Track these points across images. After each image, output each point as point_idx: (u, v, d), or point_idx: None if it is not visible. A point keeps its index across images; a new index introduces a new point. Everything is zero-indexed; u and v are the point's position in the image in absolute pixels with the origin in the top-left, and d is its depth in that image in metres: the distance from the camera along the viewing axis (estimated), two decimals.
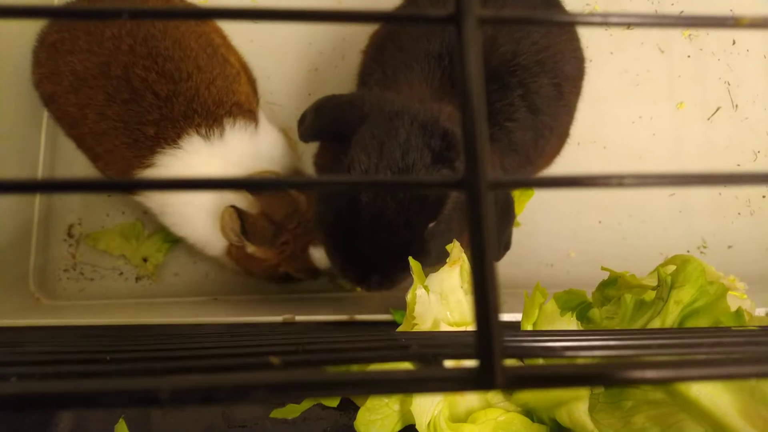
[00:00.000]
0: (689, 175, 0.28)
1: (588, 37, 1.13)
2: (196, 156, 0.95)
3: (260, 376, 0.25)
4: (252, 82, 1.13)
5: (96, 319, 0.94)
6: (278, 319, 0.94)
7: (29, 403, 0.24)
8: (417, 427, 0.61)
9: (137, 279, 1.19)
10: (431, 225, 0.81)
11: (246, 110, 1.00)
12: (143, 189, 0.26)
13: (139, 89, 0.92)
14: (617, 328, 0.67)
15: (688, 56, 1.32)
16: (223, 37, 1.10)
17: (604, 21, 0.27)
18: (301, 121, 0.95)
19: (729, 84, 1.31)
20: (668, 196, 1.25)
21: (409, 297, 0.68)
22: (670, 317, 0.64)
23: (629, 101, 1.30)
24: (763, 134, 1.30)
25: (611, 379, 0.27)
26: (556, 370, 0.26)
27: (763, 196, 1.28)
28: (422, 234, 0.81)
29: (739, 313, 0.64)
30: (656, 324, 0.65)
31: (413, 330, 0.66)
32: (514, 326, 0.69)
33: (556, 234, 1.23)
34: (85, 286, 1.18)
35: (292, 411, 0.69)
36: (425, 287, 0.68)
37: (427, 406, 0.62)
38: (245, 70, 1.11)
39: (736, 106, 1.31)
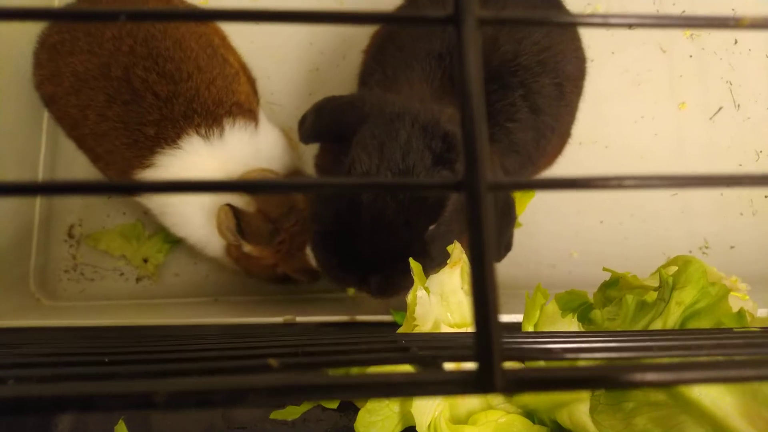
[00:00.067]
0: (690, 176, 0.28)
1: (589, 37, 1.12)
2: (196, 156, 0.95)
3: (258, 379, 0.25)
4: (251, 81, 1.13)
5: (96, 319, 0.94)
6: (279, 319, 0.93)
7: (26, 407, 0.24)
8: (417, 428, 0.61)
9: (138, 280, 1.19)
10: (432, 227, 0.81)
11: (246, 110, 1.00)
12: (144, 191, 0.26)
13: (140, 90, 0.92)
14: (619, 329, 0.67)
15: (690, 56, 1.32)
16: (223, 38, 1.10)
17: (605, 22, 0.27)
18: (302, 123, 0.95)
19: (731, 84, 1.31)
20: (670, 197, 1.25)
21: (409, 298, 0.68)
22: (671, 318, 0.64)
23: (631, 101, 1.29)
24: (765, 134, 1.30)
25: (612, 383, 0.27)
26: (555, 373, 0.26)
27: (766, 196, 1.28)
28: (423, 236, 0.81)
29: (740, 314, 0.64)
30: (658, 325, 0.64)
31: (414, 331, 0.66)
32: (515, 327, 0.69)
33: (558, 234, 1.23)
34: (86, 287, 1.18)
35: (291, 413, 0.69)
36: (426, 288, 0.68)
37: (428, 408, 0.62)
38: (244, 69, 1.11)
39: (738, 105, 1.30)
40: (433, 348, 0.43)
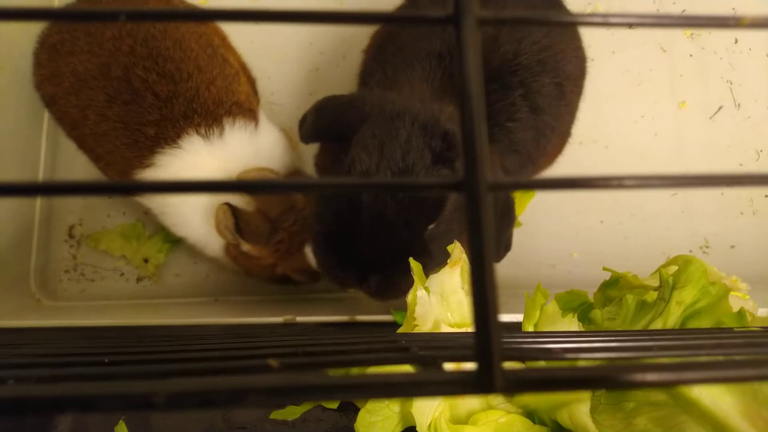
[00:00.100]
0: (690, 176, 0.28)
1: (590, 37, 1.12)
2: (196, 156, 0.95)
3: (258, 380, 0.25)
4: (251, 81, 1.13)
5: (97, 320, 0.94)
6: (279, 319, 0.93)
7: (25, 407, 0.24)
8: (417, 428, 0.61)
9: (138, 280, 1.19)
10: (431, 226, 0.81)
11: (246, 110, 1.00)
12: (143, 191, 0.26)
13: (140, 90, 0.92)
14: (619, 329, 0.67)
15: (690, 55, 1.32)
16: (223, 38, 1.10)
17: (605, 21, 0.27)
18: (302, 123, 0.95)
19: (731, 83, 1.31)
20: (670, 196, 1.25)
21: (409, 298, 0.68)
22: (671, 318, 0.64)
23: (631, 100, 1.29)
24: (765, 133, 1.30)
25: (612, 383, 0.27)
26: (556, 373, 0.26)
27: (766, 196, 1.28)
28: (422, 235, 0.81)
29: (741, 313, 0.64)
30: (658, 325, 0.64)
31: (414, 331, 0.66)
32: (516, 327, 0.69)
33: (558, 234, 1.22)
34: (86, 287, 1.18)
35: (292, 412, 0.69)
36: (426, 288, 0.68)
37: (428, 408, 0.62)
38: (244, 69, 1.11)
39: (739, 105, 1.30)
40: (433, 348, 0.43)
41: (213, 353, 0.44)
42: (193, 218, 0.99)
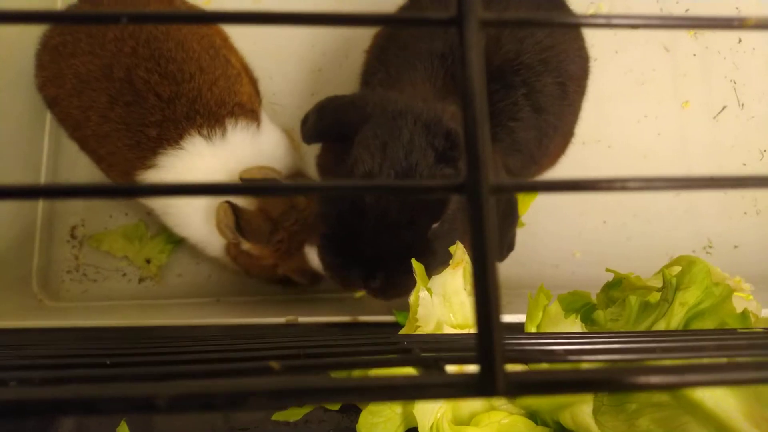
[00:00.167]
0: (695, 178, 0.28)
1: (592, 36, 1.12)
2: (199, 157, 0.95)
3: (260, 382, 0.25)
4: (254, 82, 1.13)
5: (99, 320, 0.94)
6: (281, 320, 0.93)
7: (28, 410, 0.24)
8: (420, 429, 0.61)
9: (140, 280, 1.19)
10: (435, 226, 0.81)
11: (248, 110, 1.00)
12: (146, 195, 0.26)
13: (142, 91, 0.92)
14: (622, 330, 0.67)
15: (694, 55, 1.31)
16: (225, 38, 1.10)
17: (608, 23, 0.27)
18: (304, 123, 0.95)
19: (735, 83, 1.30)
20: (674, 197, 1.25)
21: (411, 299, 0.68)
22: (675, 319, 0.64)
23: (634, 100, 1.29)
24: None
25: (615, 386, 0.27)
26: (558, 376, 0.26)
27: None
28: (426, 234, 0.80)
29: (744, 314, 0.63)
30: (661, 326, 0.64)
31: (416, 332, 0.66)
32: (518, 328, 0.69)
33: (561, 234, 1.22)
34: (88, 288, 1.19)
35: (294, 414, 0.69)
36: (428, 289, 0.68)
37: (430, 409, 0.62)
38: (246, 70, 1.11)
39: (743, 104, 1.30)
40: (436, 350, 0.43)
41: (215, 355, 0.44)
42: (195, 219, 0.99)
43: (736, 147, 1.28)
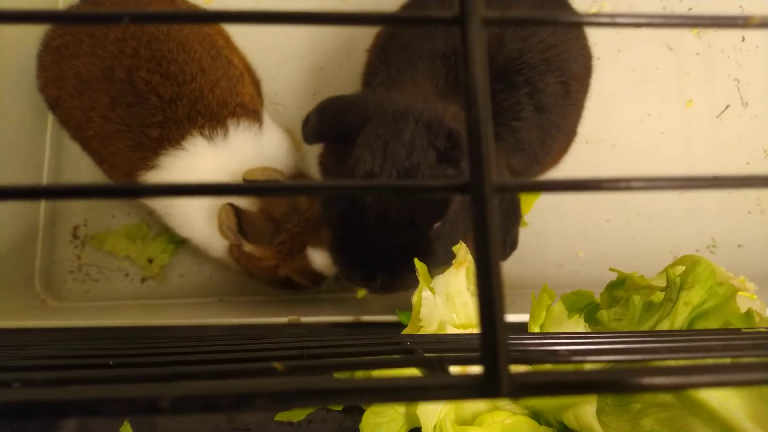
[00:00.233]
0: (699, 177, 0.27)
1: (595, 35, 1.12)
2: (200, 157, 0.95)
3: (263, 384, 0.25)
4: (256, 82, 1.12)
5: (101, 320, 0.94)
6: (283, 320, 0.93)
7: (31, 411, 0.24)
8: (423, 429, 0.61)
9: (143, 280, 1.19)
10: (437, 225, 0.80)
11: (250, 111, 1.00)
12: (148, 195, 0.26)
13: (143, 92, 0.92)
14: (625, 329, 0.67)
15: (697, 53, 1.31)
16: (227, 38, 1.10)
17: (612, 22, 0.27)
18: (306, 123, 0.95)
19: (738, 81, 1.30)
20: (677, 195, 1.24)
21: (414, 299, 0.67)
22: (679, 319, 0.64)
23: (637, 99, 1.29)
24: None
25: (620, 387, 0.26)
26: (563, 377, 0.26)
27: None
28: (428, 234, 0.80)
29: (749, 314, 0.63)
30: (665, 326, 0.64)
31: (419, 332, 0.66)
32: (522, 327, 0.69)
33: (564, 233, 1.22)
34: (91, 288, 1.19)
35: (296, 414, 0.69)
36: (431, 289, 0.67)
37: (433, 409, 0.61)
38: (249, 70, 1.11)
39: (746, 103, 1.29)
40: (439, 350, 0.43)
41: (218, 355, 0.44)
42: (198, 219, 0.99)
43: (740, 146, 1.28)
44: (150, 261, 1.18)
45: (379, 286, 0.84)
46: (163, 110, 0.93)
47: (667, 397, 0.59)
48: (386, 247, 0.80)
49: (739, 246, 1.24)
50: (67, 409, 0.24)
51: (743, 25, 0.28)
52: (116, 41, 0.94)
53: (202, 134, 0.94)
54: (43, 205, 1.19)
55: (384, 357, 0.41)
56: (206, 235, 1.01)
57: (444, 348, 0.48)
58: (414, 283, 0.69)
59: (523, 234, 1.01)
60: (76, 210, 1.21)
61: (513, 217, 0.95)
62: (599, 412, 0.60)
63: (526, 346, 0.46)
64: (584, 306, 0.73)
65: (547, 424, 0.64)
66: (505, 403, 0.63)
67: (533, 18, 0.29)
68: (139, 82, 0.92)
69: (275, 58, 1.26)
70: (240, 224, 0.93)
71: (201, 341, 0.62)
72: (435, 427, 0.61)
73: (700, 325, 0.63)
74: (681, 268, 0.67)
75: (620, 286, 0.75)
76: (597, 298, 0.75)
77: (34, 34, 1.04)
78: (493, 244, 0.24)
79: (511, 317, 0.86)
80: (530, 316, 0.67)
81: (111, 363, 0.40)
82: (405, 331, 0.69)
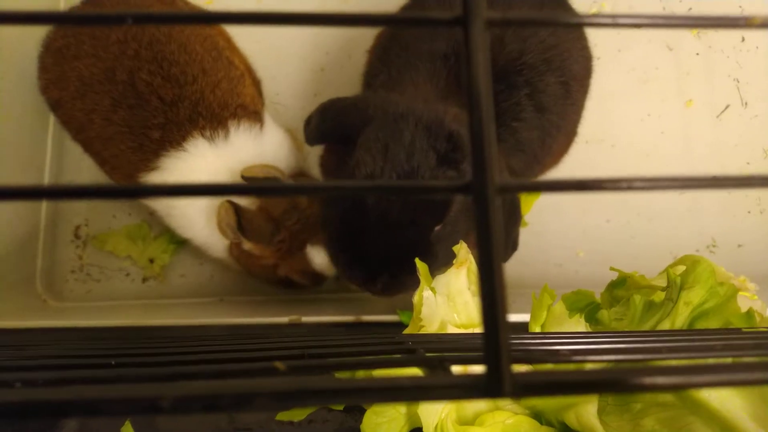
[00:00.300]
0: (699, 177, 0.27)
1: (595, 35, 1.12)
2: (202, 158, 0.95)
3: (264, 383, 0.25)
4: (257, 83, 1.13)
5: (103, 320, 0.94)
6: (284, 320, 0.93)
7: (32, 411, 0.24)
8: (424, 429, 0.61)
9: (144, 280, 1.19)
10: (437, 228, 0.80)
11: (251, 112, 1.00)
12: (149, 196, 0.26)
13: (145, 94, 0.92)
14: (626, 329, 0.67)
15: (697, 54, 1.31)
16: (228, 39, 1.10)
17: (613, 22, 0.27)
18: (307, 125, 0.95)
19: (738, 81, 1.30)
20: (677, 195, 1.24)
21: (415, 299, 0.67)
22: (679, 319, 0.64)
23: (637, 99, 1.29)
24: None
25: (621, 387, 0.26)
26: (564, 377, 0.26)
27: None
28: (428, 237, 0.80)
29: (749, 314, 0.63)
30: (666, 325, 0.64)
31: (420, 332, 0.66)
32: (522, 327, 0.69)
33: (564, 233, 1.22)
34: (92, 288, 1.19)
35: (297, 414, 0.69)
36: (432, 289, 0.67)
37: (435, 409, 0.61)
38: (249, 71, 1.11)
39: (746, 103, 1.29)
40: (440, 350, 0.43)
41: (219, 355, 0.44)
42: (198, 220, 0.99)
43: (740, 146, 1.28)
44: (151, 261, 1.18)
45: (379, 288, 0.84)
46: (164, 112, 0.93)
47: (667, 397, 0.59)
48: (387, 249, 0.80)
49: (739, 246, 1.24)
50: (68, 409, 0.24)
51: (745, 26, 0.28)
52: (117, 43, 0.94)
53: (203, 135, 0.94)
54: (44, 205, 1.19)
55: (385, 357, 0.41)
56: (207, 235, 1.01)
57: (445, 348, 0.48)
58: (415, 285, 0.69)
59: (524, 234, 1.01)
60: (78, 210, 1.21)
61: (513, 218, 0.95)
62: (600, 412, 0.60)
63: (527, 345, 0.46)
64: (585, 306, 0.73)
65: (549, 424, 0.64)
66: (506, 403, 0.63)
67: (535, 19, 0.29)
68: (140, 83, 0.92)
69: (276, 58, 1.26)
70: (239, 222, 0.93)
71: (202, 341, 0.62)
72: (436, 426, 0.61)
73: (701, 325, 0.64)
74: (681, 268, 0.67)
75: (621, 286, 0.75)
76: (597, 297, 0.75)
77: (35, 35, 1.04)
78: (495, 244, 0.25)
79: (512, 317, 0.86)
80: (531, 316, 0.67)
81: (113, 363, 0.41)
82: (406, 331, 0.69)
